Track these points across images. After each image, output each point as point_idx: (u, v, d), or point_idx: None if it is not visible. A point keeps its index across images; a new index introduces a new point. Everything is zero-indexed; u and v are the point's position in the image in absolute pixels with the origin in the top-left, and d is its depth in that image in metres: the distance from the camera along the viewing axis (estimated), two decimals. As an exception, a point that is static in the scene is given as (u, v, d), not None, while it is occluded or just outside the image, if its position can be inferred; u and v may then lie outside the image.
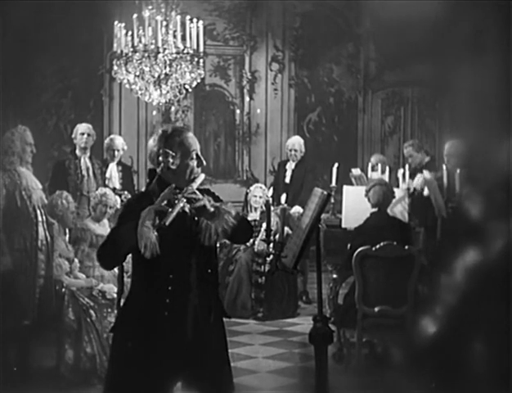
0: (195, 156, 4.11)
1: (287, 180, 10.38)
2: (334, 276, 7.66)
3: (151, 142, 4.15)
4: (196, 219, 4.00)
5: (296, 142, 10.50)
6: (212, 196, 4.15)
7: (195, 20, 9.34)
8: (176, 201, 3.88)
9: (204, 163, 4.17)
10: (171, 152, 4.07)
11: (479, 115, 6.44)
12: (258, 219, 9.62)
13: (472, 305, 5.18)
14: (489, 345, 5.05)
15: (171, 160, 4.07)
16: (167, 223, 3.81)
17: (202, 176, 4.10)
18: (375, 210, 7.33)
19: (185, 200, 3.89)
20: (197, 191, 3.97)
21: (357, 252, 6.82)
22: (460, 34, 7.86)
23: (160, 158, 4.08)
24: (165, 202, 3.90)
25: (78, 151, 9.00)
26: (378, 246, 6.77)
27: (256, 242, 9.42)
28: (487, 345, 5.05)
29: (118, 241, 3.94)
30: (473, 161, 7.13)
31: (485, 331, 5.07)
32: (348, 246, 7.39)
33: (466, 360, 5.10)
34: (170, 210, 3.85)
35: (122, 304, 4.31)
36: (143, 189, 4.35)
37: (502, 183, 5.17)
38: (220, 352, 4.20)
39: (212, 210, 3.96)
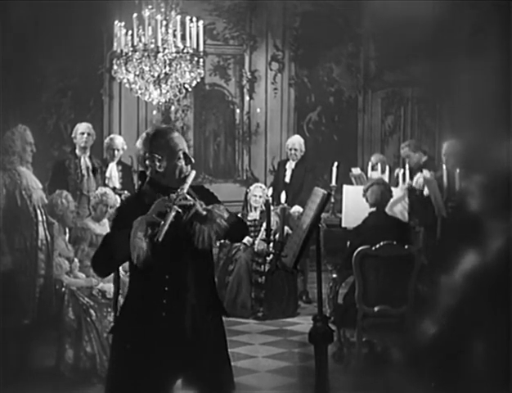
0: (182, 156, 4.08)
1: (287, 180, 10.38)
2: (334, 275, 7.66)
3: (138, 146, 4.13)
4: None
5: (296, 141, 10.50)
6: (206, 193, 4.15)
7: (194, 19, 9.34)
8: (168, 210, 3.86)
9: (193, 161, 4.14)
10: (157, 156, 4.04)
11: (479, 114, 6.44)
12: (257, 218, 9.62)
13: (472, 305, 5.18)
14: (489, 344, 5.05)
15: (158, 164, 4.05)
16: (160, 239, 3.80)
17: (193, 173, 4.07)
18: (373, 209, 7.34)
19: (177, 207, 3.87)
20: (188, 196, 3.95)
21: (356, 252, 6.83)
22: (460, 34, 7.87)
23: (147, 162, 4.07)
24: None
25: (77, 151, 9.00)
26: (378, 246, 6.77)
27: (256, 242, 9.43)
28: (487, 345, 5.05)
29: (111, 250, 3.94)
30: (473, 160, 7.13)
31: (485, 330, 5.08)
32: (348, 245, 7.40)
33: (466, 360, 5.11)
34: (162, 222, 3.83)
35: (120, 304, 4.30)
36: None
37: (502, 182, 5.17)
38: (220, 351, 4.20)
39: (204, 213, 3.95)
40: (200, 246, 3.99)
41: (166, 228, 3.81)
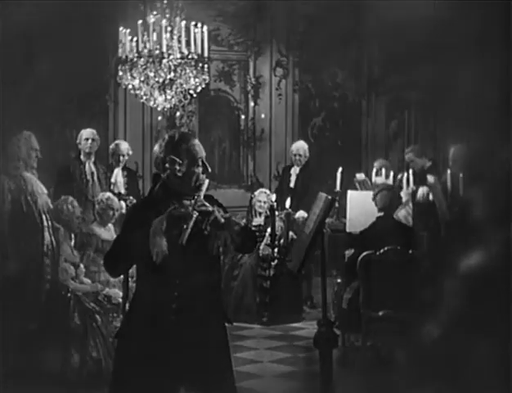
0: (200, 163, 4.12)
1: (292, 185, 10.39)
2: (339, 280, 7.67)
3: (157, 148, 4.15)
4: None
5: (300, 146, 10.51)
6: (215, 203, 4.17)
7: (199, 25, 9.37)
8: (188, 214, 3.89)
9: (210, 170, 4.17)
10: (178, 160, 4.07)
11: (482, 117, 6.45)
12: (262, 223, 9.63)
13: (475, 308, 5.19)
14: (491, 346, 5.06)
15: (178, 168, 4.07)
16: (184, 243, 3.84)
17: (207, 182, 4.11)
18: (380, 214, 7.36)
19: (197, 213, 3.91)
20: (207, 204, 3.98)
21: (361, 257, 6.85)
22: (461, 35, 7.88)
23: (167, 165, 4.08)
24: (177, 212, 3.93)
25: (82, 157, 9.05)
26: (382, 251, 6.79)
27: (261, 247, 9.44)
28: (488, 347, 5.06)
29: (127, 249, 3.96)
30: (477, 165, 7.15)
31: (487, 333, 5.09)
32: (352, 250, 7.42)
33: (468, 362, 5.11)
34: (185, 226, 3.87)
35: (127, 309, 4.32)
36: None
37: (505, 187, 5.18)
38: (223, 357, 4.21)
39: (222, 221, 3.98)
40: (215, 252, 4.04)
41: (189, 231, 3.85)
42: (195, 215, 3.88)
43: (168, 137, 4.16)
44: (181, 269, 4.02)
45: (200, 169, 4.11)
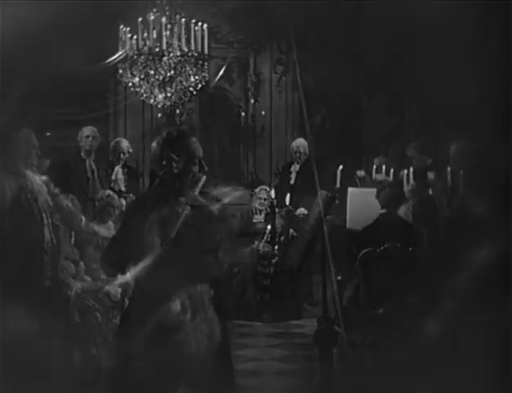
0: (197, 162, 4.12)
1: (292, 182, 10.40)
2: (339, 278, 7.67)
3: (155, 145, 4.16)
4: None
5: (300, 144, 10.52)
6: (215, 200, 4.17)
7: (199, 22, 9.37)
8: (181, 209, 3.91)
9: (206, 168, 4.18)
10: (175, 157, 4.07)
11: (482, 116, 6.46)
12: (262, 221, 9.64)
13: (474, 305, 5.20)
14: (490, 344, 5.07)
15: (174, 165, 4.07)
16: (173, 235, 3.85)
17: (203, 178, 4.12)
18: (383, 211, 7.35)
19: (189, 208, 3.92)
20: (199, 198, 3.99)
21: (361, 254, 6.84)
22: (461, 34, 7.89)
23: (164, 162, 4.09)
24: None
25: (82, 154, 9.05)
26: (382, 248, 6.79)
27: (261, 244, 9.44)
28: (488, 345, 5.07)
29: (122, 247, 3.97)
30: (476, 162, 7.15)
31: (486, 330, 5.10)
32: (353, 247, 7.41)
33: (468, 360, 5.13)
34: (176, 220, 3.88)
35: (126, 305, 4.33)
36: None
37: (505, 184, 5.19)
38: (222, 355, 4.21)
39: (216, 213, 3.99)
40: (207, 247, 4.03)
41: (178, 225, 3.86)
42: (185, 211, 3.89)
43: (165, 134, 4.17)
44: (178, 266, 4.02)
45: (197, 168, 4.12)
